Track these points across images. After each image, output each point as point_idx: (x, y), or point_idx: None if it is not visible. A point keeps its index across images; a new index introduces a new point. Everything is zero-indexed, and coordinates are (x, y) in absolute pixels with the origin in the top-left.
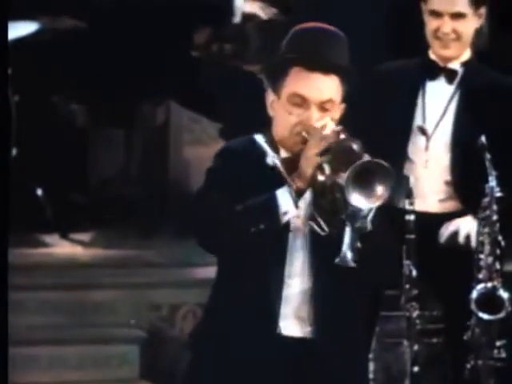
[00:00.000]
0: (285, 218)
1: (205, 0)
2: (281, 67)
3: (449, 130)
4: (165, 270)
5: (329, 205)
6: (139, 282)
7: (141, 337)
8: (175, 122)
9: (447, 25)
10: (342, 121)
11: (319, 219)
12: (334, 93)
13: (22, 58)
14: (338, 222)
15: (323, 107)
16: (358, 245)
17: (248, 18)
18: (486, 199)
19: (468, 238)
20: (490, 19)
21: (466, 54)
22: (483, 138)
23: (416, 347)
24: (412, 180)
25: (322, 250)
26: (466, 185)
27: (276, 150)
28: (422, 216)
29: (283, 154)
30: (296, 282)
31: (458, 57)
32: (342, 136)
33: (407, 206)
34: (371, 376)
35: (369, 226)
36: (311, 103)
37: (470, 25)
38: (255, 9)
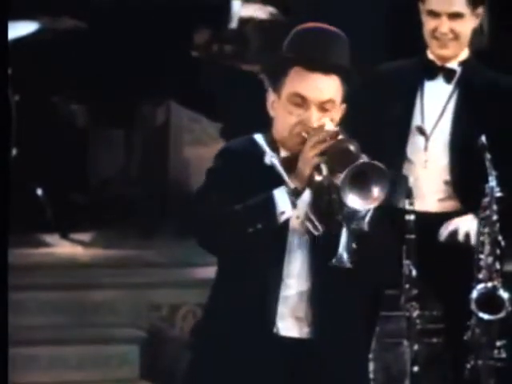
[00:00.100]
0: (282, 218)
1: (205, 0)
2: (281, 67)
3: (447, 130)
4: (165, 270)
5: (325, 205)
6: (139, 281)
7: (141, 337)
8: (175, 122)
9: (445, 25)
10: (342, 121)
11: (314, 219)
12: (335, 93)
13: (22, 57)
14: (333, 222)
15: (323, 107)
16: (353, 246)
17: (245, 21)
18: (486, 199)
19: (467, 236)
20: (490, 19)
21: (464, 54)
22: (483, 138)
23: (416, 347)
24: (411, 180)
25: (321, 251)
26: (465, 184)
27: (276, 150)
28: (422, 216)
29: (283, 153)
30: (294, 282)
31: (456, 56)
32: (340, 137)
33: (407, 206)
34: (371, 376)
35: (366, 227)
36: (311, 103)
37: (468, 24)
38: (252, 12)
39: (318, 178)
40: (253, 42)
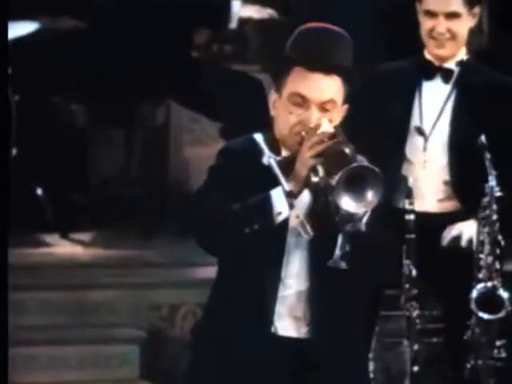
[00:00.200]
0: (279, 219)
1: (205, 1)
2: (283, 66)
3: (446, 130)
4: (165, 270)
5: (322, 207)
6: (139, 282)
7: (141, 337)
8: (175, 122)
9: (442, 24)
10: (343, 121)
11: (305, 222)
12: (336, 93)
13: (22, 57)
14: (330, 223)
15: (324, 108)
16: (348, 248)
17: (245, 22)
18: (486, 199)
19: (470, 242)
20: (490, 19)
21: (462, 53)
22: (483, 138)
23: (416, 347)
24: (411, 180)
25: (320, 251)
26: (464, 184)
27: (277, 150)
28: (422, 216)
29: (284, 153)
30: (293, 282)
31: (454, 56)
32: (338, 138)
33: (407, 206)
34: (371, 376)
35: (363, 228)
36: (311, 103)
37: (465, 24)
38: (252, 12)
39: (314, 179)
40: (253, 42)
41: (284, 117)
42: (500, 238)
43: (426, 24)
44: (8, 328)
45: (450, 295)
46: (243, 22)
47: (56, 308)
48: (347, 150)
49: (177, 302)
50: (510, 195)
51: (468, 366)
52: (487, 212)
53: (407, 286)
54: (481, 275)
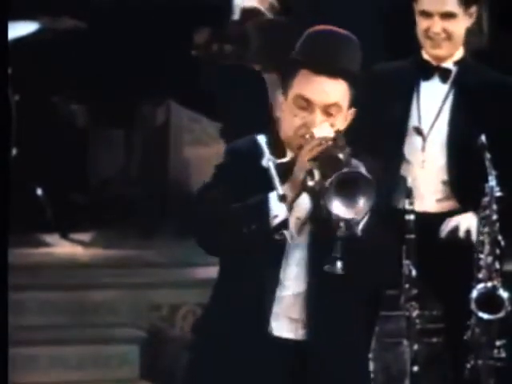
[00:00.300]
0: (275, 221)
1: (205, 0)
2: (290, 69)
3: (444, 130)
4: (165, 270)
5: (319, 211)
6: (139, 282)
7: (141, 337)
8: (175, 122)
9: (437, 25)
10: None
11: (292, 225)
12: (341, 97)
13: (22, 57)
14: (326, 227)
15: (328, 111)
16: (341, 252)
17: (248, 13)
18: (486, 199)
19: (468, 232)
20: (490, 19)
21: (459, 53)
22: (483, 138)
23: (416, 347)
24: (409, 180)
25: (319, 254)
26: (463, 184)
27: (282, 152)
28: (421, 216)
29: (290, 155)
30: (291, 283)
31: (451, 56)
32: (334, 142)
33: (407, 206)
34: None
35: (359, 233)
36: (316, 106)
37: (461, 24)
38: (254, 2)
39: (310, 183)
40: (253, 42)
41: (289, 119)
42: (500, 237)
43: (421, 24)
44: (8, 328)
45: (449, 295)
46: (244, 16)
47: (56, 308)
48: (341, 155)
49: (177, 302)
50: (510, 195)
51: (468, 366)
52: (487, 212)
53: (407, 285)
54: (481, 275)
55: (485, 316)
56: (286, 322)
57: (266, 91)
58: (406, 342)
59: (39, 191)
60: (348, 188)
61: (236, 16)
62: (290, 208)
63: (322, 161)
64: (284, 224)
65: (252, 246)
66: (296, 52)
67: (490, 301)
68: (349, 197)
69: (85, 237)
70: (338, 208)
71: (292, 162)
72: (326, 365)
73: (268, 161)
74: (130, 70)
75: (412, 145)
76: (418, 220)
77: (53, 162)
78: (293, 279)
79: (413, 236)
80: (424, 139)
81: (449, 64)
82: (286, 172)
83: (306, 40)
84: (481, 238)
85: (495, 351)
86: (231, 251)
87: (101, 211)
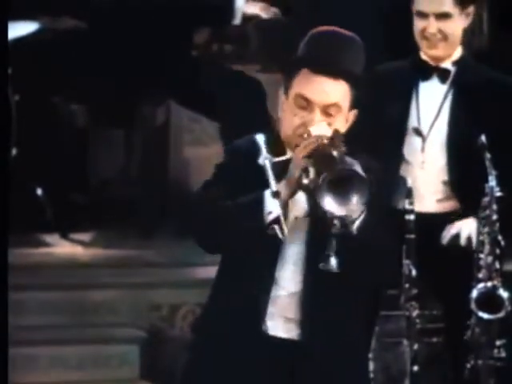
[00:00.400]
0: (269, 218)
1: (205, 0)
2: (291, 69)
3: (444, 130)
4: (165, 270)
5: (314, 209)
6: (139, 282)
7: (141, 337)
8: (175, 122)
9: (433, 25)
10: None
11: (283, 222)
12: (341, 98)
13: (22, 57)
14: (322, 224)
15: (327, 112)
16: (334, 251)
17: (249, 19)
18: (486, 199)
19: (469, 239)
20: (490, 19)
21: (457, 53)
22: (483, 138)
23: (416, 347)
24: (409, 181)
25: (316, 253)
26: (463, 184)
27: (281, 151)
28: (421, 216)
29: (289, 154)
30: (287, 282)
31: (449, 56)
32: (329, 141)
33: (407, 206)
34: (371, 376)
35: (354, 232)
36: (315, 106)
37: (457, 24)
38: (256, 10)
39: (305, 180)
40: (253, 42)
41: (289, 118)
42: (500, 237)
43: (417, 25)
44: (8, 328)
45: (449, 295)
46: (247, 19)
47: (56, 308)
48: (335, 153)
49: (177, 302)
50: (510, 195)
51: (468, 365)
52: (487, 212)
53: (407, 285)
54: (481, 275)
55: (485, 316)
56: (281, 321)
57: (265, 95)
58: (406, 342)
59: (39, 191)
60: (341, 185)
61: (237, 21)
62: (285, 205)
63: (316, 158)
64: (277, 220)
65: (248, 244)
66: (299, 52)
67: (490, 301)
68: (342, 194)
69: (85, 237)
70: (330, 204)
71: (287, 161)
72: (323, 365)
73: (264, 159)
74: (130, 70)
75: (411, 145)
76: (418, 220)
77: (53, 162)
78: (288, 279)
79: (413, 236)
80: (423, 140)
81: (447, 64)
82: (283, 170)
83: (309, 40)
84: (481, 237)
85: (495, 351)
86: (229, 249)
87: (101, 211)
